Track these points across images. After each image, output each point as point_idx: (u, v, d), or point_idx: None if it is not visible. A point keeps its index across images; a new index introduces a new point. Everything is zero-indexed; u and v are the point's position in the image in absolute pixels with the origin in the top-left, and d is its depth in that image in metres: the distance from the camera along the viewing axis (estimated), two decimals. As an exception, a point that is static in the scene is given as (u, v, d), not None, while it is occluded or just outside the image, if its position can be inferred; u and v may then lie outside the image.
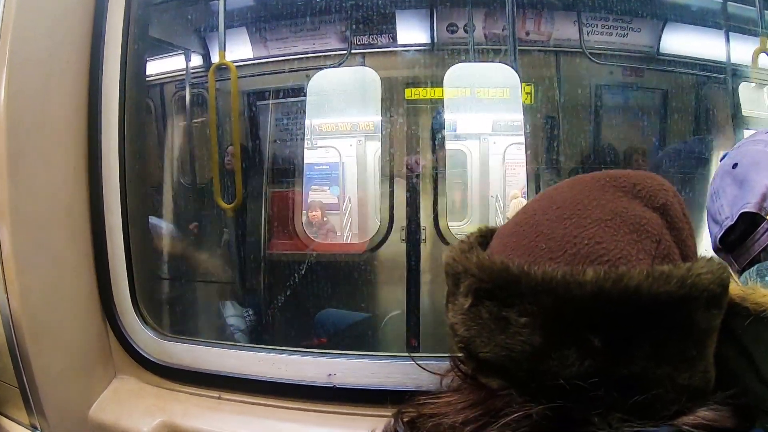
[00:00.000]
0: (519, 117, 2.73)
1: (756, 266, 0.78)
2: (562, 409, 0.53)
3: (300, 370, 1.24)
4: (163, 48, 2.50)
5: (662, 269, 0.53)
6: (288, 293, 2.47)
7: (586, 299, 0.52)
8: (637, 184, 0.62)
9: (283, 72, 2.73)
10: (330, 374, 1.21)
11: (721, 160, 0.90)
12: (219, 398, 1.28)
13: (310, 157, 3.41)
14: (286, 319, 2.48)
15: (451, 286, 0.64)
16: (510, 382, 0.57)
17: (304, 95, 2.66)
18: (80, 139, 1.32)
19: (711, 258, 0.58)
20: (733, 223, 0.82)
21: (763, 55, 1.99)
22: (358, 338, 2.52)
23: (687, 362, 0.55)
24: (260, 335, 2.51)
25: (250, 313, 2.49)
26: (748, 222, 0.80)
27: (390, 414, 0.69)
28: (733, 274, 0.63)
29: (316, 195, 3.56)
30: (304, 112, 2.78)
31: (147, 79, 1.92)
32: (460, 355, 0.64)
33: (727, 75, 2.32)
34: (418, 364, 0.81)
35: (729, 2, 2.31)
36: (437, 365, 0.75)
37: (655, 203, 0.61)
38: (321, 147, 3.52)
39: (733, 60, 2.29)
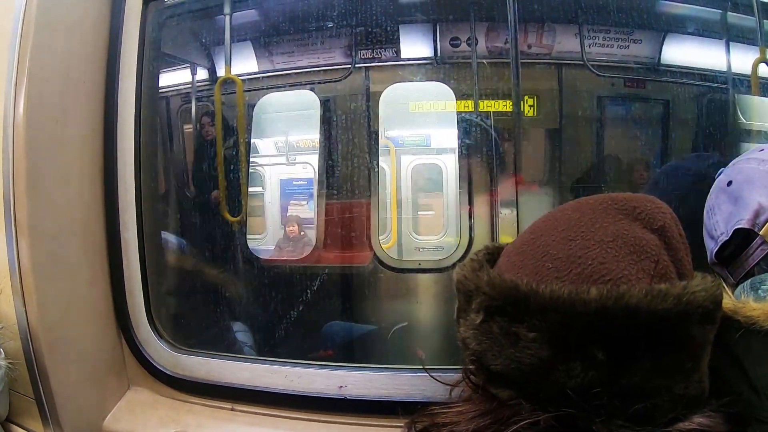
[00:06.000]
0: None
1: (750, 280, 0.80)
2: (567, 417, 0.56)
3: (311, 382, 1.26)
4: (175, 63, 2.53)
5: (660, 288, 0.56)
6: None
7: (590, 316, 0.56)
8: (637, 207, 0.66)
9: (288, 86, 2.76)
10: (341, 386, 1.24)
11: (716, 177, 0.93)
12: (232, 410, 1.31)
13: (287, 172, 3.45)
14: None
15: (463, 303, 0.68)
16: (519, 392, 0.61)
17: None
18: (96, 155, 1.36)
19: (705, 276, 0.62)
20: (728, 238, 0.85)
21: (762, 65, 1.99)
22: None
23: (683, 373, 0.59)
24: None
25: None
26: (742, 237, 0.83)
27: (400, 425, 0.72)
28: (726, 288, 0.67)
29: (294, 209, 3.57)
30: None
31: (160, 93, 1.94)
32: (471, 367, 0.67)
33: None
34: (431, 376, 0.84)
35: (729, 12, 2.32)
36: (447, 377, 0.78)
37: (654, 225, 0.65)
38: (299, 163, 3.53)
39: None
